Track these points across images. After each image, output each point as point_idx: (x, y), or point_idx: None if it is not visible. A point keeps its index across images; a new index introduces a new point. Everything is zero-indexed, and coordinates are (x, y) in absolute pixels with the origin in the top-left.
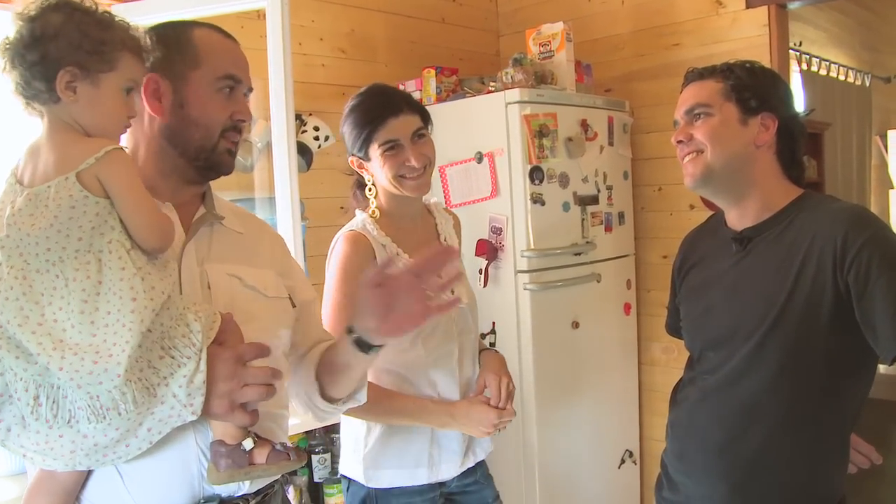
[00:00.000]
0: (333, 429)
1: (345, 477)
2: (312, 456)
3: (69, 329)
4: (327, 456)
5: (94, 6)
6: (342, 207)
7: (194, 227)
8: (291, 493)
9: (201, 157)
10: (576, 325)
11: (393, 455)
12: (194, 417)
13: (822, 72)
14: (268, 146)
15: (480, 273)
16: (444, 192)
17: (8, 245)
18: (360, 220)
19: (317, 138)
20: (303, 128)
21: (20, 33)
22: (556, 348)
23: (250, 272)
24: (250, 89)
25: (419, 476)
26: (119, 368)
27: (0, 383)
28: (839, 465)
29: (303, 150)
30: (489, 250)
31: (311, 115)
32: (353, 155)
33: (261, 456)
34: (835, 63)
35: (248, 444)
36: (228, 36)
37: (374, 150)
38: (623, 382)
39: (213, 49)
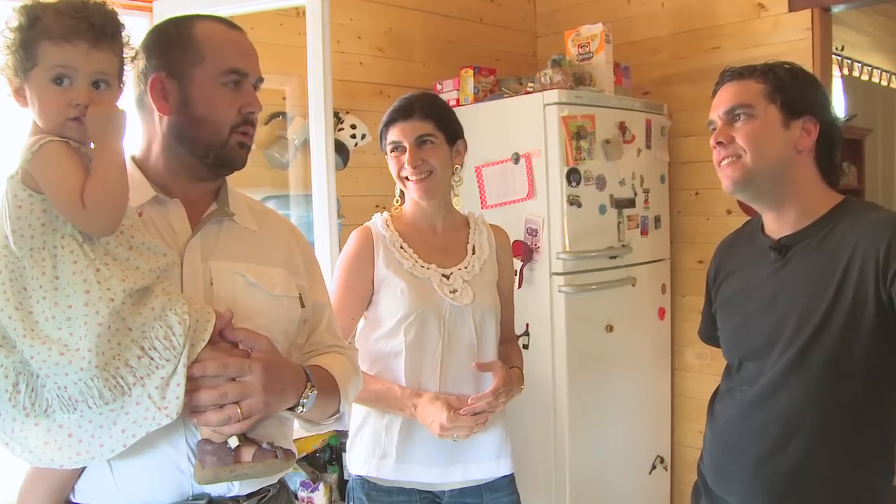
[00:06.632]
0: None
1: None
2: (343, 454)
3: (42, 321)
4: None
5: (30, 6)
6: (377, 206)
7: (201, 223)
8: (322, 490)
9: (211, 154)
10: (610, 328)
11: (366, 442)
12: (169, 420)
13: (864, 77)
14: (304, 143)
15: (515, 274)
16: (480, 192)
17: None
18: (379, 215)
19: (353, 136)
20: (339, 126)
21: None
22: (590, 351)
23: (256, 270)
24: (260, 80)
25: (385, 469)
26: (83, 362)
27: None
28: (883, 477)
29: (339, 148)
30: (524, 252)
31: (347, 112)
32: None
33: (247, 454)
34: (877, 68)
35: (233, 441)
36: (234, 27)
37: (386, 150)
38: (656, 387)
39: (217, 43)
